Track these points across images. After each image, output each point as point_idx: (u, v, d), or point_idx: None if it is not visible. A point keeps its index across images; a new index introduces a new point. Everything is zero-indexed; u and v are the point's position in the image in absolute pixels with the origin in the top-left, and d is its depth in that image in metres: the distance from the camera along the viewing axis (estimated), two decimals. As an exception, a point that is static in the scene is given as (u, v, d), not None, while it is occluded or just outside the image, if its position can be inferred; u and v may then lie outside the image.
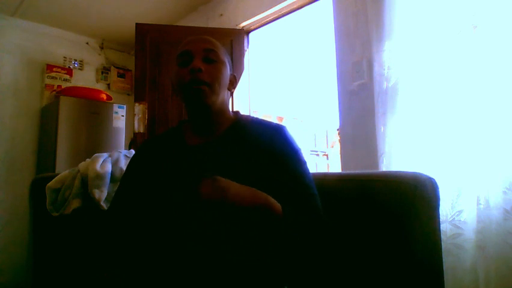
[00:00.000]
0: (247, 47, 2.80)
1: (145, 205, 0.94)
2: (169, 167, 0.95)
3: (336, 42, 2.10)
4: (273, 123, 0.99)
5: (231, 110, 1.03)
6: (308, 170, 0.93)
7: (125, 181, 1.03)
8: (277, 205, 0.81)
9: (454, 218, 1.34)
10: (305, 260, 0.90)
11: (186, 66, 0.92)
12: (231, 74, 1.00)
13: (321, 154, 7.15)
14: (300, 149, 0.95)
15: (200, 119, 0.96)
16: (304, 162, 0.93)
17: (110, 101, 3.34)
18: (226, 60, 0.98)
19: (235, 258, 0.83)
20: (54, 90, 3.32)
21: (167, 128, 1.08)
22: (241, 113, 1.06)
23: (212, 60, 0.93)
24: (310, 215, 0.86)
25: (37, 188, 1.52)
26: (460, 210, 1.34)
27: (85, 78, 3.60)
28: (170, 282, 0.85)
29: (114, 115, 3.24)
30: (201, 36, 0.98)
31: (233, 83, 1.02)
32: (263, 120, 1.01)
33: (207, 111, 0.93)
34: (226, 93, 0.99)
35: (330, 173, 1.04)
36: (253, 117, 1.05)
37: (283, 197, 0.84)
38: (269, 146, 0.91)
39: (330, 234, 0.88)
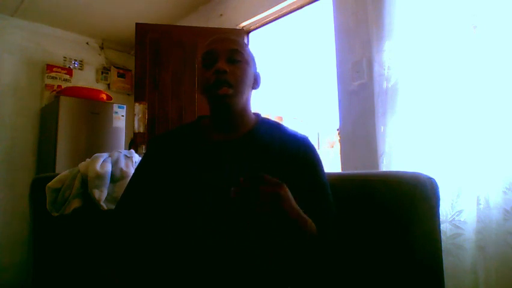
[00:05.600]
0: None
1: (165, 202, 0.92)
2: (191, 162, 0.94)
3: (336, 42, 2.09)
4: (297, 133, 0.99)
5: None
6: (326, 180, 0.94)
7: (139, 177, 1.00)
8: (314, 227, 0.81)
9: (454, 218, 1.34)
10: (310, 263, 0.91)
11: (211, 67, 0.91)
12: (255, 73, 1.00)
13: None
14: (321, 159, 0.97)
15: (222, 119, 0.96)
16: (324, 173, 0.94)
17: (110, 101, 3.34)
18: (251, 59, 0.98)
19: (241, 258, 0.83)
20: (55, 90, 3.32)
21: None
22: (263, 115, 1.05)
23: (237, 61, 0.93)
24: (334, 229, 0.87)
25: (37, 188, 1.52)
26: (460, 210, 1.34)
27: (85, 78, 3.60)
28: (174, 280, 0.85)
29: (114, 115, 3.24)
30: (225, 35, 0.98)
31: (257, 81, 1.01)
32: (287, 128, 1.01)
33: (230, 111, 0.94)
34: (250, 92, 0.99)
35: (330, 173, 1.04)
36: (275, 122, 1.04)
37: (307, 206, 0.85)
38: (296, 156, 0.92)
39: (340, 239, 0.89)
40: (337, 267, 0.93)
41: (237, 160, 0.91)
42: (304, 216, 0.78)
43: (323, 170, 0.95)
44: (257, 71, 1.01)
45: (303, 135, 0.98)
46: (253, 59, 1.00)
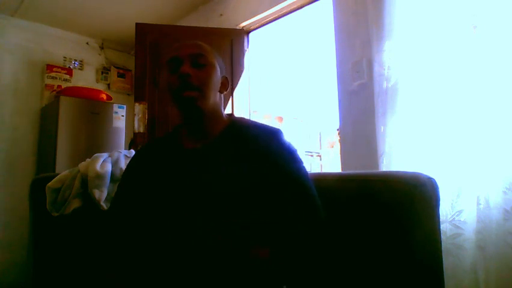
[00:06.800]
0: (247, 47, 2.79)
1: (144, 209, 0.94)
2: (167, 170, 0.96)
3: (336, 42, 2.09)
4: (268, 126, 0.99)
5: (226, 112, 1.04)
6: (306, 171, 0.93)
7: (122, 186, 1.03)
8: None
9: (454, 218, 1.34)
10: (304, 261, 0.91)
11: (175, 72, 0.92)
12: (222, 76, 1.00)
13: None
14: (296, 151, 0.95)
15: (193, 123, 0.97)
16: (301, 164, 0.93)
17: (110, 101, 3.34)
18: (217, 63, 0.98)
19: (233, 258, 0.83)
20: (55, 90, 3.32)
21: (167, 128, 1.09)
22: (236, 115, 1.06)
23: (201, 65, 0.93)
24: (310, 222, 0.86)
25: (37, 188, 1.52)
26: (460, 210, 1.34)
27: (85, 78, 3.60)
28: (168, 282, 0.85)
29: (114, 115, 3.24)
30: (189, 41, 0.98)
31: (225, 85, 1.01)
32: (258, 123, 1.01)
33: (199, 115, 0.93)
34: (219, 96, 0.99)
35: (330, 173, 1.04)
36: (248, 120, 1.05)
37: (283, 201, 0.85)
38: (266, 149, 0.91)
39: (329, 235, 0.89)
40: (336, 266, 0.93)
41: (208, 166, 0.92)
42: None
43: (298, 163, 0.93)
44: (225, 74, 1.02)
45: (276, 129, 0.97)
46: (220, 63, 1.00)
